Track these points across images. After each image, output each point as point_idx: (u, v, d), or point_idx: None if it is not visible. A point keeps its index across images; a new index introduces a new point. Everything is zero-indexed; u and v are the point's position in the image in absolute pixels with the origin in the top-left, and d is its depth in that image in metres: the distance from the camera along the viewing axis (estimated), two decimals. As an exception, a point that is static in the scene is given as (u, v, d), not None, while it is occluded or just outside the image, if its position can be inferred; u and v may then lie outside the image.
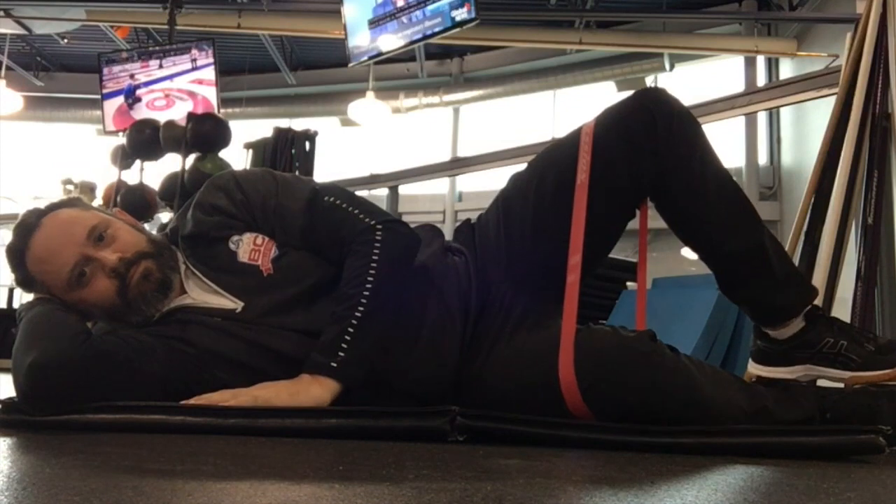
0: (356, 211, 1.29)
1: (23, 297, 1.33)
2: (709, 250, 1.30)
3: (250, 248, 1.28)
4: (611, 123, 1.29)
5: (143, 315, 1.27)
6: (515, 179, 1.39)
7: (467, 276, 1.33)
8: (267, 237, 1.30)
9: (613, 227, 1.33)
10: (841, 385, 1.28)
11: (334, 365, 1.16)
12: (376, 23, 5.50)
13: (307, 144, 4.62)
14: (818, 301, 2.10)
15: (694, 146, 1.26)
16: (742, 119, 8.48)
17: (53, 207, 1.31)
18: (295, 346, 1.23)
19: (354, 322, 1.18)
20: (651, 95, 1.29)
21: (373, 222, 1.26)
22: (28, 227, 1.27)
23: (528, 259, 1.31)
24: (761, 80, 8.95)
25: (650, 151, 1.24)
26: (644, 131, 1.24)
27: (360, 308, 1.19)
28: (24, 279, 1.29)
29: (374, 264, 1.22)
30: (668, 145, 1.24)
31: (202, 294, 1.28)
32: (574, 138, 1.31)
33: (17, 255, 1.27)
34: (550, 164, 1.35)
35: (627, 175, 1.27)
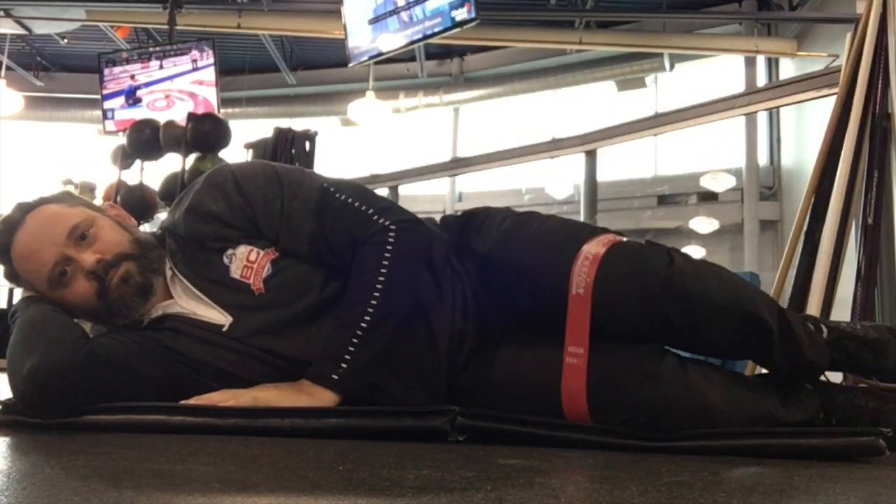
0: (370, 210, 1.23)
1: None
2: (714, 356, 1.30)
3: (243, 264, 1.24)
4: (625, 295, 1.16)
5: (127, 318, 1.25)
6: (501, 245, 1.26)
7: (463, 302, 1.27)
8: (262, 251, 1.24)
9: None
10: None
11: (336, 377, 1.14)
12: (376, 22, 5.50)
13: (307, 144, 4.62)
14: (818, 301, 2.11)
15: (706, 309, 1.16)
16: (742, 119, 8.47)
17: (40, 203, 1.28)
18: (282, 371, 1.21)
19: (360, 332, 1.15)
20: (675, 290, 1.15)
21: (386, 223, 1.21)
22: (13, 222, 1.25)
23: (524, 311, 1.25)
24: (761, 80, 8.94)
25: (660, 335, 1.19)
26: (661, 325, 1.16)
27: (367, 317, 1.16)
28: (11, 274, 1.28)
29: (384, 270, 1.18)
30: (684, 330, 1.17)
31: (190, 303, 1.25)
32: (566, 252, 1.19)
33: (2, 250, 1.26)
34: (533, 267, 1.22)
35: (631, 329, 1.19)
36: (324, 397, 1.14)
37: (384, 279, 1.17)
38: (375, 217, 1.22)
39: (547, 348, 1.19)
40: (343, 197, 1.25)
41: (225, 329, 1.22)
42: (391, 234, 1.20)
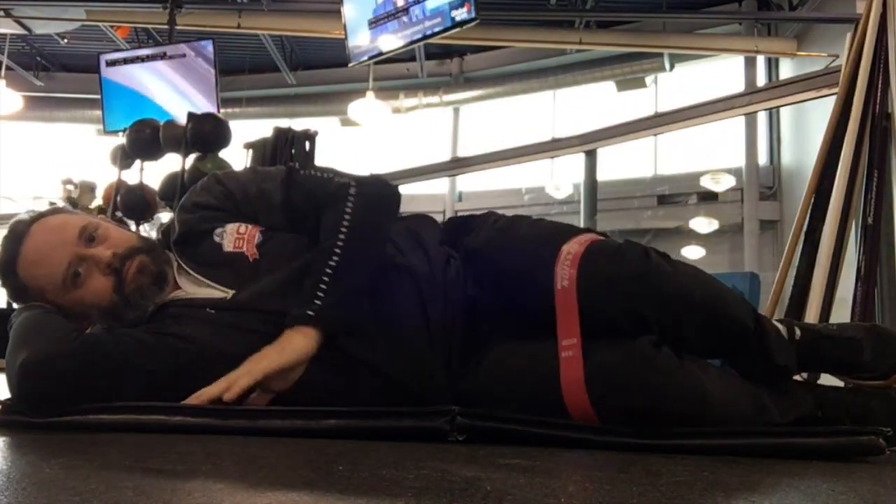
0: (331, 175, 1.32)
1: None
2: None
3: (234, 237, 1.30)
4: (604, 291, 1.16)
5: (141, 309, 1.27)
6: (487, 248, 1.28)
7: (455, 278, 1.29)
8: (250, 225, 1.32)
9: None
10: (841, 383, 1.29)
11: (311, 313, 1.16)
12: (376, 23, 5.50)
13: (307, 144, 4.61)
14: (818, 301, 2.11)
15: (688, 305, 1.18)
16: (742, 119, 8.48)
17: (41, 215, 1.32)
18: None
19: (329, 271, 1.19)
20: (650, 288, 1.17)
21: (347, 181, 1.30)
22: (18, 234, 1.27)
23: (515, 307, 1.24)
24: (761, 80, 8.96)
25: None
26: (639, 322, 1.16)
27: (335, 258, 1.20)
28: (17, 288, 1.29)
29: (347, 216, 1.24)
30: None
31: (193, 287, 1.30)
32: (549, 250, 1.20)
33: (7, 265, 1.27)
34: (515, 268, 1.23)
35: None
36: (307, 336, 1.16)
37: (347, 223, 1.24)
38: (336, 179, 1.31)
39: (541, 344, 1.19)
40: (307, 171, 1.35)
41: (228, 299, 1.25)
42: (352, 187, 1.29)
